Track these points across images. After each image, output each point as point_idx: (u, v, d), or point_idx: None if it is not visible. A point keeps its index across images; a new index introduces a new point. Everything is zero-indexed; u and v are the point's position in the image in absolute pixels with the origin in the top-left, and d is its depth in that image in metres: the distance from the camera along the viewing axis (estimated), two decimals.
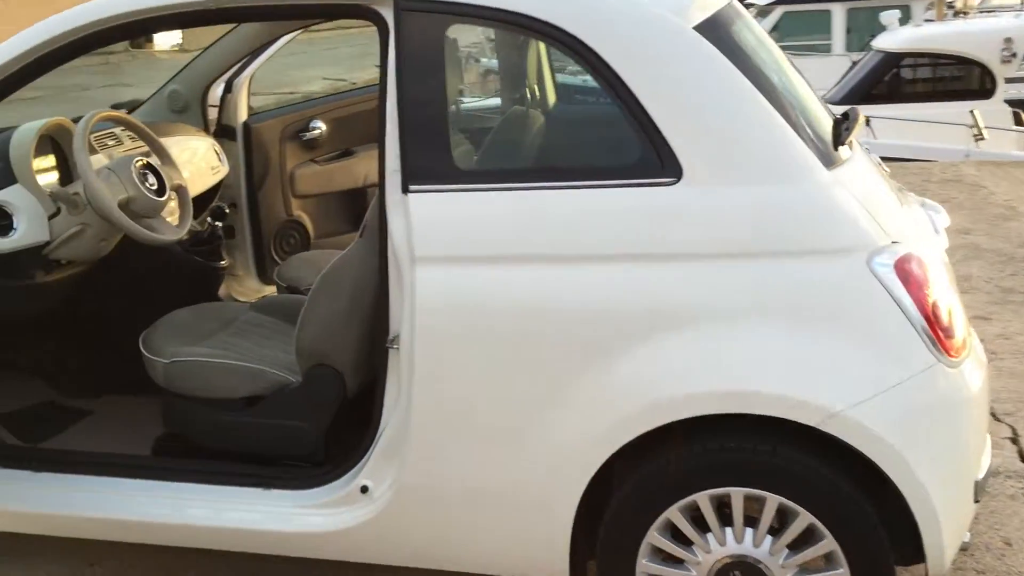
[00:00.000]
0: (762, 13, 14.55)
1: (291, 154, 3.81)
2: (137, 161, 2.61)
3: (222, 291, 3.60)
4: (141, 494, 2.41)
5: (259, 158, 3.71)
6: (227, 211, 3.12)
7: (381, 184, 2.14)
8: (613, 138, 2.09)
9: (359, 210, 3.78)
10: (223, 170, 3.48)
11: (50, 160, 2.72)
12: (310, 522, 2.30)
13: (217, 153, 3.50)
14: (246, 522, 2.33)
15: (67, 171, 2.72)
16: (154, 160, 2.76)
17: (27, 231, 2.50)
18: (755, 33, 2.44)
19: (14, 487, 2.44)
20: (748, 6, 15.10)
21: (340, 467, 2.31)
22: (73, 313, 2.92)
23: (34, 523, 2.45)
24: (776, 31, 14.13)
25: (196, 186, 3.28)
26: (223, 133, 3.66)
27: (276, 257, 3.83)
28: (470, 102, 2.46)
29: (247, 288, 3.81)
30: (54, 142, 2.72)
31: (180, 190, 2.82)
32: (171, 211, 2.81)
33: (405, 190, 2.10)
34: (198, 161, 3.38)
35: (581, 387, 2.07)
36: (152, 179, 2.64)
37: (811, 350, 2.00)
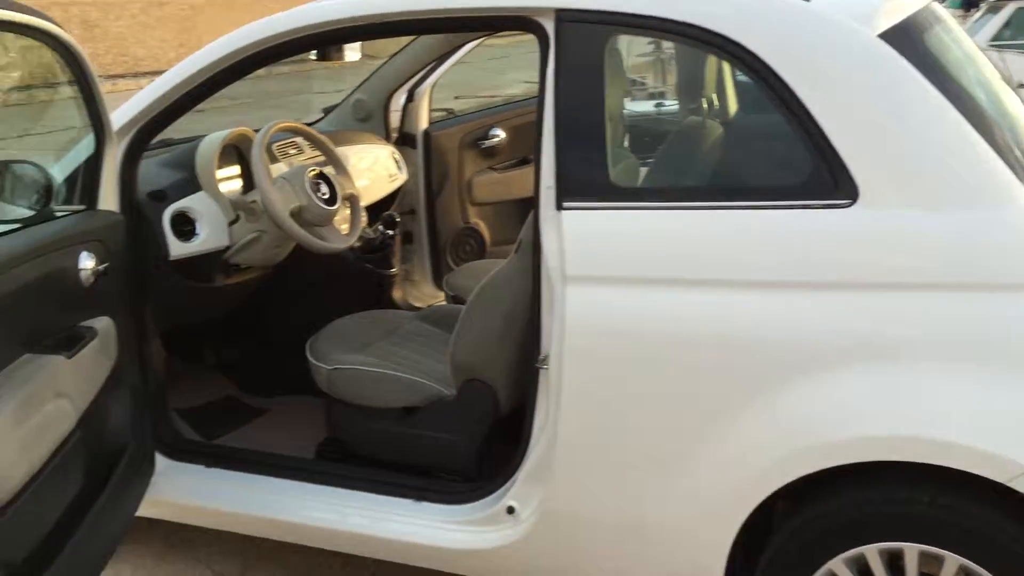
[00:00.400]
0: (992, 9, 13.44)
1: (470, 162, 3.84)
2: (310, 171, 2.68)
3: (398, 296, 3.67)
4: (305, 497, 2.46)
5: (438, 165, 3.76)
6: (398, 219, 3.17)
7: (536, 199, 2.08)
8: (782, 155, 1.94)
9: None
10: (401, 178, 3.55)
11: (235, 169, 2.84)
12: (457, 538, 2.28)
13: (396, 161, 3.57)
14: (398, 533, 2.33)
15: (249, 180, 2.83)
16: (329, 169, 2.83)
17: (209, 236, 2.63)
18: (956, 40, 2.21)
19: (188, 481, 2.55)
20: (977, 3, 14.04)
21: (489, 486, 2.28)
22: (252, 315, 3.05)
23: (204, 517, 2.55)
24: (1008, 28, 13.02)
25: (374, 193, 3.36)
26: (404, 141, 3.73)
27: (452, 264, 3.87)
28: (630, 117, 2.36)
29: (423, 293, 3.87)
30: (239, 152, 2.84)
31: (352, 199, 2.88)
32: (343, 219, 2.88)
33: (559, 206, 2.04)
34: (378, 169, 3.46)
35: (739, 421, 1.93)
36: (324, 188, 2.71)
37: (1005, 397, 1.77)
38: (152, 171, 2.67)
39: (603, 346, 2.00)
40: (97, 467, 2.11)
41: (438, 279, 3.83)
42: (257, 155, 2.56)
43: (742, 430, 1.93)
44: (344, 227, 2.87)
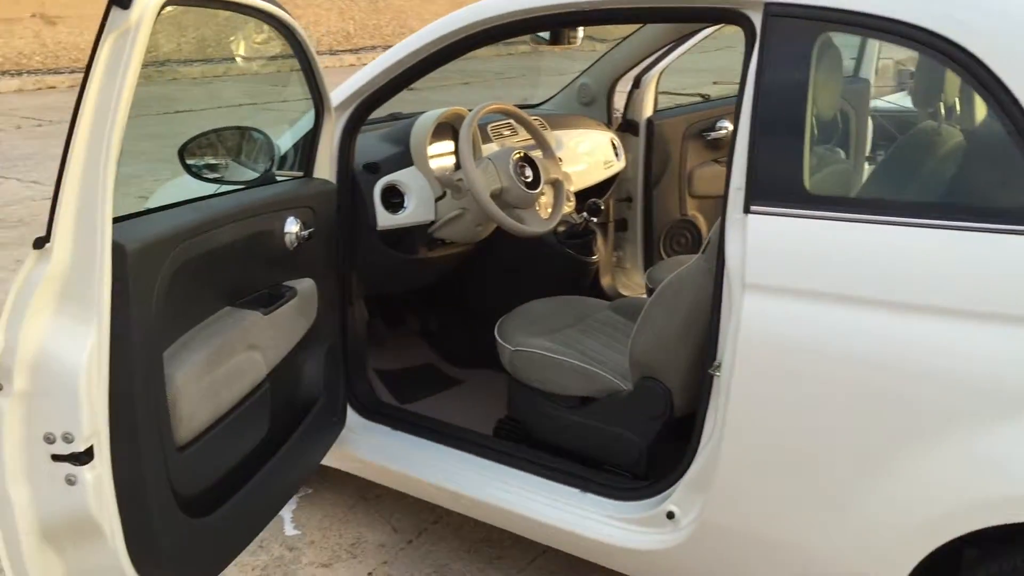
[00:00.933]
0: None
1: (692, 153, 3.75)
2: (515, 154, 2.72)
3: (606, 282, 3.67)
4: (477, 471, 2.52)
5: (659, 155, 3.70)
6: (603, 207, 3.15)
7: (724, 200, 2.00)
8: (999, 172, 1.75)
9: None
10: (617, 165, 3.52)
11: (449, 146, 2.93)
12: (614, 534, 2.26)
13: (615, 148, 3.55)
14: (560, 520, 2.35)
15: None
16: (537, 153, 2.85)
17: (415, 210, 2.73)
18: None
19: (375, 440, 2.68)
20: None
21: (652, 487, 2.24)
22: (454, 288, 3.15)
23: (384, 476, 2.68)
24: None
25: (588, 179, 3.36)
26: (627, 128, 3.70)
27: (664, 254, 3.81)
28: (841, 121, 2.21)
29: (632, 282, 3.84)
30: (454, 130, 2.93)
31: (556, 184, 2.90)
32: (545, 204, 2.90)
33: (747, 209, 1.95)
34: (596, 154, 3.46)
35: (924, 459, 1.78)
36: (528, 172, 2.74)
37: None
38: (371, 144, 2.81)
39: (776, 360, 1.90)
40: (285, 417, 2.27)
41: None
42: (464, 135, 2.63)
43: (927, 466, 1.77)
44: (544, 212, 2.89)
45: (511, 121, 3.14)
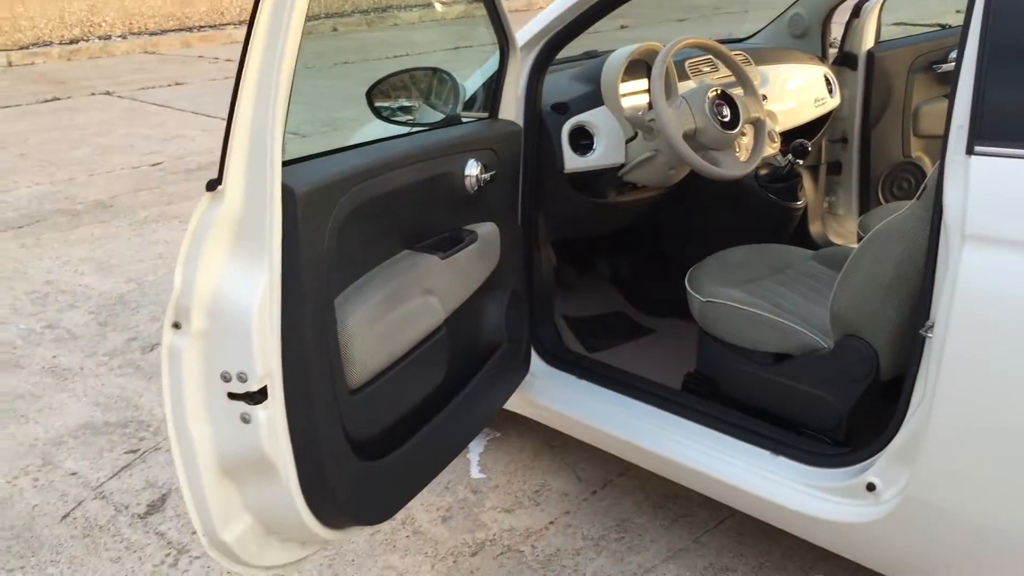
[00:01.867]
0: None
1: (919, 88, 3.40)
2: (711, 91, 2.53)
3: (816, 230, 3.42)
4: (662, 426, 2.42)
5: (880, 90, 3.38)
6: (809, 149, 2.90)
7: (944, 139, 1.76)
8: None
9: None
10: (831, 103, 3.24)
11: (643, 84, 2.78)
12: (807, 503, 2.10)
13: (829, 84, 3.27)
14: (748, 483, 2.21)
15: None
16: (736, 91, 2.65)
17: (605, 152, 2.62)
18: None
19: (559, 388, 2.62)
20: None
21: (852, 455, 2.06)
22: (646, 233, 3.01)
23: (568, 425, 2.62)
24: None
25: (796, 118, 3.12)
26: (844, 61, 3.40)
27: (882, 200, 3.50)
28: None
29: (845, 230, 3.56)
30: (649, 68, 2.77)
31: (757, 123, 2.68)
32: (745, 145, 2.69)
33: (970, 150, 1.70)
34: (805, 91, 3.20)
35: None
36: (726, 111, 2.55)
37: None
38: (561, 83, 2.71)
39: (1001, 321, 1.66)
40: (464, 362, 2.24)
41: None
42: (657, 72, 2.47)
43: None
44: (742, 154, 2.68)
45: (711, 57, 2.94)
